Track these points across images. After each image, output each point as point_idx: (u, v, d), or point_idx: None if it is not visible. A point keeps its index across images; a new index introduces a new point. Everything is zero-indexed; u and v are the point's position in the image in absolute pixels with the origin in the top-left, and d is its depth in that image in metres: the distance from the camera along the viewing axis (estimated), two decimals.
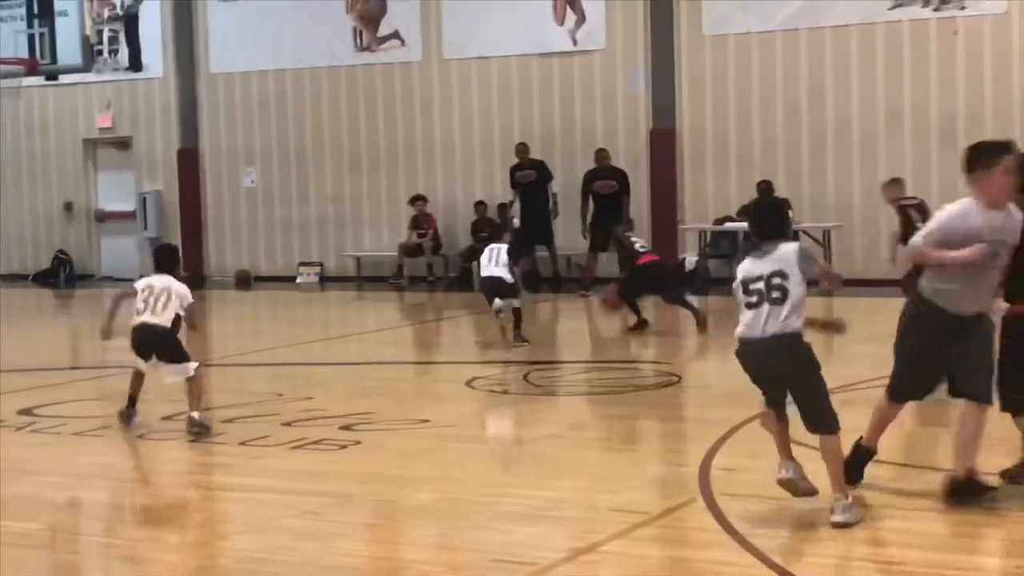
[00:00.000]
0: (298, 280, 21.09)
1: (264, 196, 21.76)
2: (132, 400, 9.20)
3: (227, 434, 8.81)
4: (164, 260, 9.45)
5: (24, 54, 19.49)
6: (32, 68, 19.67)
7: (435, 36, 20.46)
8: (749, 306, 6.31)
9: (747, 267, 6.37)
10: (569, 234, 18.89)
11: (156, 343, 8.96)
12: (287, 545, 6.28)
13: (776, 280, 6.23)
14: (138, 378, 9.18)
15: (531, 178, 19.17)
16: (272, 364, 12.50)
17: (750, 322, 6.31)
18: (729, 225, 17.97)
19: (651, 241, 16.64)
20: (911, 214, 12.37)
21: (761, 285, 6.26)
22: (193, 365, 8.95)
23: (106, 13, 22.27)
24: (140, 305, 9.03)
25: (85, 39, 19.96)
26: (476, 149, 20.37)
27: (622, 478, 7.39)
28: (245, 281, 21.40)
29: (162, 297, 9.00)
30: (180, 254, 10.20)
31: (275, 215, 21.66)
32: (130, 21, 22.38)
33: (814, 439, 6.44)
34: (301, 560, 6.05)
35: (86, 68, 20.15)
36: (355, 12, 21.02)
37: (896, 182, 13.61)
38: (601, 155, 18.57)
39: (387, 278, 19.98)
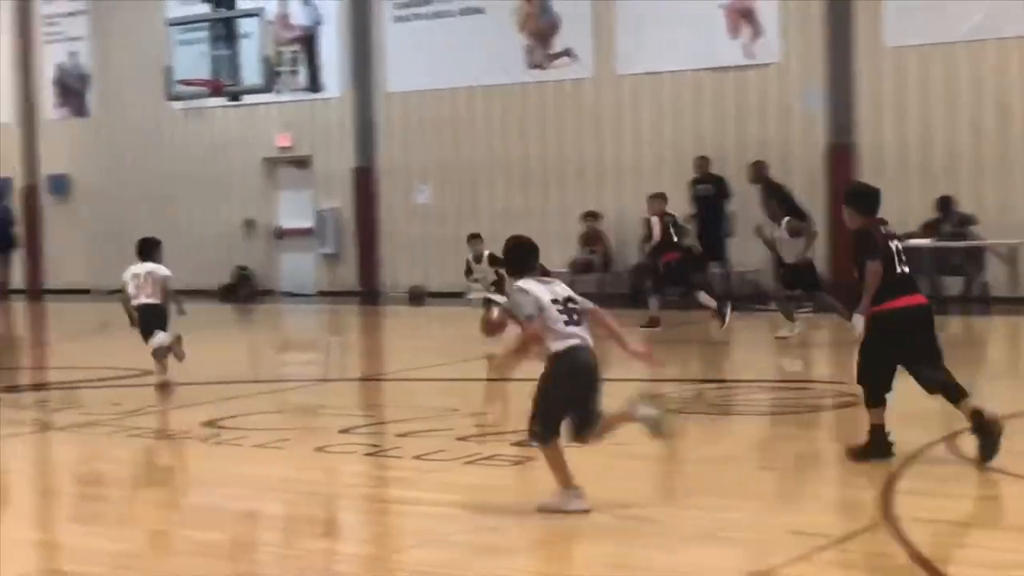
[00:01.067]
0: (469, 296, 21.28)
1: (437, 213, 22.04)
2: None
3: (402, 448, 8.93)
4: (146, 250, 12.27)
5: (208, 76, 20.16)
6: (216, 89, 20.33)
7: (607, 52, 20.49)
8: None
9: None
10: (742, 250, 18.69)
11: (152, 317, 11.88)
12: (462, 560, 6.34)
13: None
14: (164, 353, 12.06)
15: (709, 192, 19.04)
16: (445, 379, 12.63)
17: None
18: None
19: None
20: None
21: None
22: (172, 335, 11.94)
23: (287, 35, 22.86)
24: (133, 291, 11.96)
25: (267, 61, 20.55)
26: (647, 165, 20.30)
27: (800, 500, 7.26)
28: (418, 297, 21.70)
29: (148, 280, 11.97)
30: (161, 246, 12.52)
31: (447, 232, 21.91)
32: (309, 43, 22.94)
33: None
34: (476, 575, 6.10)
35: (267, 89, 20.75)
36: (527, 30, 21.18)
37: None
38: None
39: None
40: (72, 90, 25.22)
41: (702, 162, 19.30)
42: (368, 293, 22.42)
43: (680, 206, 19.28)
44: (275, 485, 8.29)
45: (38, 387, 13.11)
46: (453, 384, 12.31)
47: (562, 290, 7.13)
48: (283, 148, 23.47)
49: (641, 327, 14.88)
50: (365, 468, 8.55)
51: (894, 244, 7.95)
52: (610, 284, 20.14)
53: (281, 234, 23.69)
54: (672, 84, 20.01)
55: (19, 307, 23.45)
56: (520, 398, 11.44)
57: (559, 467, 7.10)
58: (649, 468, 8.44)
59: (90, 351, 15.88)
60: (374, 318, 20.96)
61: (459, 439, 9.15)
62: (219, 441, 9.53)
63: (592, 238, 20.39)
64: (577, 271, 20.16)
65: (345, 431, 9.42)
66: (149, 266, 12.20)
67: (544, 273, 7.43)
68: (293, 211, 23.52)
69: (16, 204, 25.50)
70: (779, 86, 19.28)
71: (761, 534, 6.64)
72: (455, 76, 21.54)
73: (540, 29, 21.08)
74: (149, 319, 12.10)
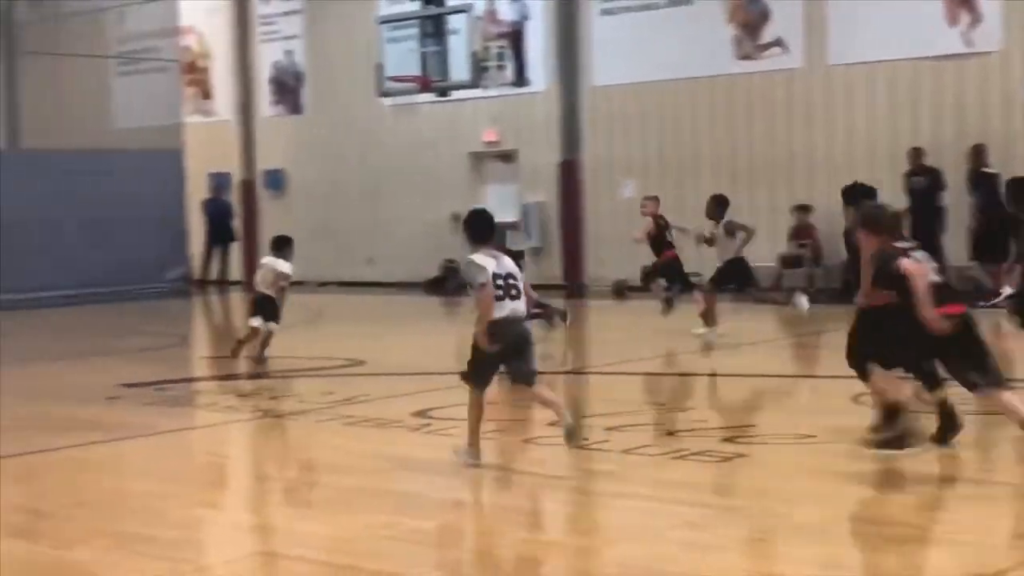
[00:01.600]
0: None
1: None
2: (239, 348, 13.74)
3: (611, 442, 8.92)
4: (276, 246, 13.81)
5: (417, 72, 20.52)
6: (425, 85, 20.67)
7: (819, 42, 20.08)
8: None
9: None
10: (955, 245, 18.11)
11: (262, 305, 13.44)
12: (671, 555, 6.30)
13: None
14: (254, 333, 13.52)
15: (922, 185, 18.50)
16: (652, 373, 12.57)
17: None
18: None
19: None
20: None
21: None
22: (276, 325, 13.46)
23: (494, 30, 23.09)
24: (257, 280, 13.72)
25: (474, 56, 20.80)
26: (859, 158, 19.83)
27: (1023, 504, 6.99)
28: (622, 291, 21.65)
29: (268, 275, 13.55)
30: (291, 244, 13.92)
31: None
32: (516, 37, 23.12)
33: None
34: (684, 571, 6.05)
35: (474, 84, 20.99)
36: (736, 20, 20.91)
37: None
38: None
39: (765, 288, 19.69)
40: (287, 88, 25.99)
41: (916, 154, 18.75)
42: (572, 286, 22.47)
43: (894, 199, 18.78)
44: (484, 475, 8.37)
45: (255, 376, 13.53)
46: (660, 378, 12.26)
47: (506, 266, 8.25)
48: (489, 143, 23.72)
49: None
50: (573, 461, 8.56)
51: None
52: (820, 278, 19.74)
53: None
54: (886, 74, 19.49)
55: (236, 298, 24.27)
56: (731, 394, 11.33)
57: (475, 417, 8.43)
58: (861, 467, 8.24)
59: (304, 341, 16.33)
60: (579, 312, 21.01)
61: (667, 434, 9.10)
62: (430, 430, 9.68)
63: (802, 232, 20.02)
64: (787, 265, 19.82)
65: (553, 424, 9.45)
66: (271, 260, 13.77)
67: (501, 249, 8.58)
68: (499, 205, 23.71)
69: (234, 199, 26.40)
70: (1001, 75, 18.59)
71: (982, 537, 6.42)
72: (662, 69, 21.41)
73: (749, 19, 20.79)
74: (261, 307, 13.68)
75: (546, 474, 8.49)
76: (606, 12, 22.16)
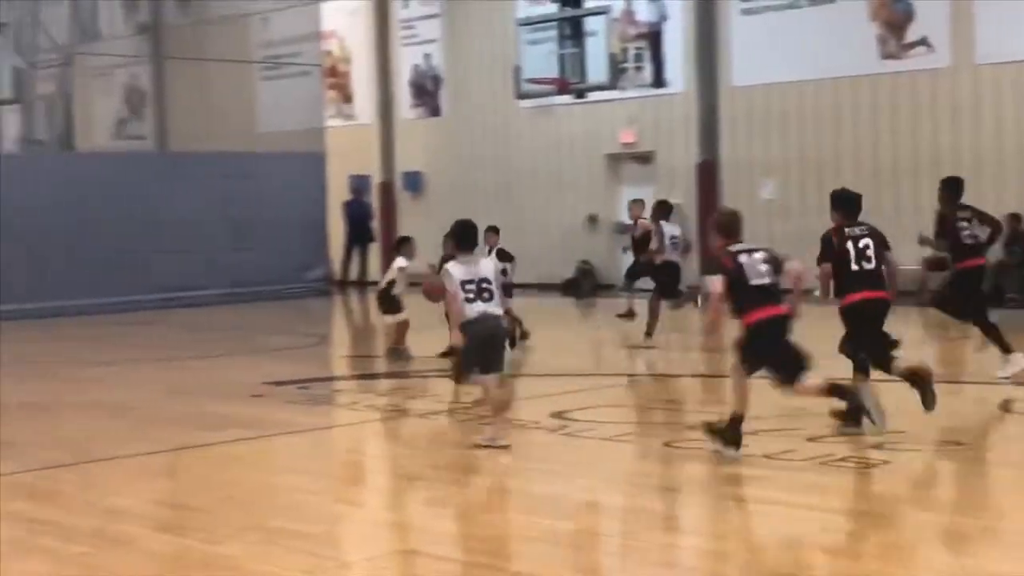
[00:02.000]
0: (815, 292, 20.80)
1: (782, 208, 21.69)
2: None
3: (752, 446, 8.82)
4: (396, 246, 14.74)
5: (555, 74, 20.55)
6: (563, 87, 20.70)
7: (966, 40, 19.61)
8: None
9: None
10: None
11: (388, 299, 14.30)
12: (816, 562, 6.21)
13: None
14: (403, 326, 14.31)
15: None
16: None
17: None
18: None
19: None
20: None
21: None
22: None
23: (632, 32, 23.02)
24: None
25: (612, 58, 20.76)
26: (1008, 157, 19.32)
27: None
28: None
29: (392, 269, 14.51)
30: (411, 242, 14.98)
31: (792, 227, 21.51)
32: (654, 38, 23.02)
33: None
34: None
35: (612, 86, 20.96)
36: (880, 19, 20.54)
37: None
38: None
39: (911, 293, 19.29)
40: (426, 91, 26.25)
41: None
42: None
43: None
44: (623, 477, 8.36)
45: (394, 375, 13.69)
46: None
47: (480, 272, 9.27)
48: (626, 144, 23.65)
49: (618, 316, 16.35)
50: (713, 466, 8.49)
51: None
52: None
53: (624, 229, 23.87)
54: None
55: (374, 298, 24.58)
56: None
57: (491, 408, 9.41)
58: (1013, 476, 8.02)
59: (443, 342, 16.42)
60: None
61: (810, 439, 8.96)
62: (568, 432, 9.69)
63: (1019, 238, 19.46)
64: (931, 268, 19.35)
65: (693, 427, 9.38)
66: (397, 259, 14.64)
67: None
68: None
69: (373, 200, 26.74)
70: None
71: None
72: (803, 68, 21.12)
73: (894, 18, 20.40)
74: (386, 300, 14.62)
75: (685, 478, 8.44)
76: (746, 12, 21.94)
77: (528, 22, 21.73)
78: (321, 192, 26.16)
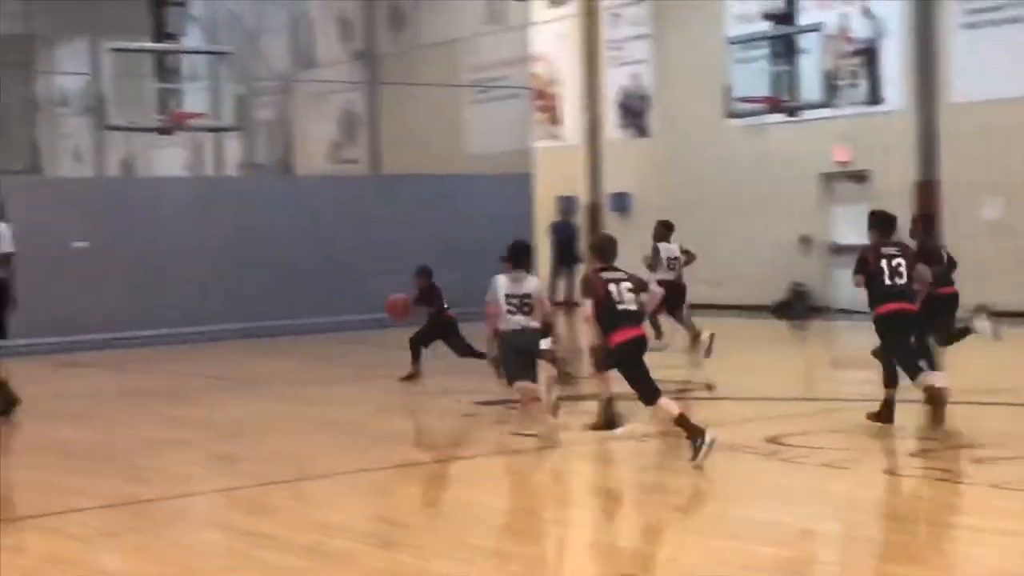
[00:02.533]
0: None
1: (1006, 228, 20.86)
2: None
3: (977, 475, 8.46)
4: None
5: (767, 92, 20.23)
6: (775, 105, 20.36)
7: None
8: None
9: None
10: None
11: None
12: None
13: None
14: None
15: None
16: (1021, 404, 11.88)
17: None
18: None
19: None
20: None
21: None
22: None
23: (847, 48, 22.52)
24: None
25: (826, 75, 20.32)
26: None
27: None
28: (984, 313, 20.57)
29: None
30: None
31: (1016, 247, 20.69)
32: (870, 55, 22.47)
33: None
34: None
35: (825, 104, 20.50)
36: None
37: None
38: None
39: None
40: (634, 111, 26.18)
41: None
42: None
43: None
44: (841, 504, 8.11)
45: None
46: None
47: (523, 288, 10.63)
48: (840, 163, 23.12)
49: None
50: (936, 493, 8.19)
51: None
52: None
53: (838, 250, 23.33)
54: None
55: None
56: None
57: (550, 391, 10.74)
58: None
59: (656, 364, 16.29)
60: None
61: None
62: (782, 457, 9.47)
63: None
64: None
65: (915, 454, 9.07)
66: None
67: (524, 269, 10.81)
68: (849, 226, 23.08)
69: (581, 221, 26.75)
70: None
71: None
72: None
73: None
74: None
75: (907, 506, 8.15)
76: (966, 26, 21.22)
77: (739, 40, 21.43)
78: (528, 213, 26.32)
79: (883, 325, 10.40)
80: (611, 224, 26.69)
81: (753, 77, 20.63)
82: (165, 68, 18.47)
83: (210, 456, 10.59)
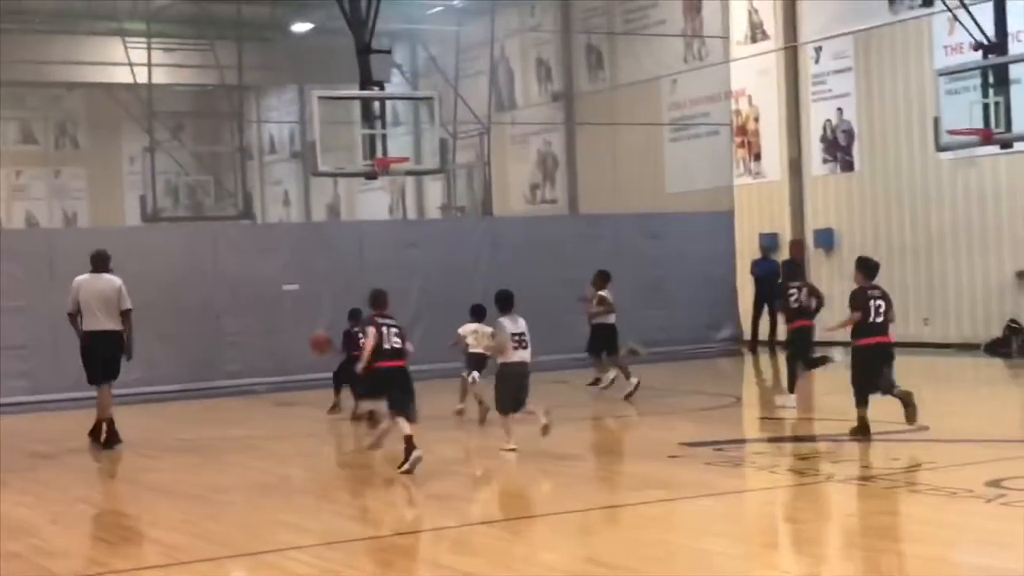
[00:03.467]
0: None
1: None
2: None
3: None
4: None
5: (979, 124, 19.67)
6: (987, 138, 19.79)
7: None
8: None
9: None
10: None
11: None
12: None
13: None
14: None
15: None
16: None
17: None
18: None
19: None
20: None
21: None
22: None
23: None
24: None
25: None
26: None
27: None
28: None
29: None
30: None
31: None
32: None
33: None
34: None
35: None
36: None
37: None
38: None
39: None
40: (838, 145, 25.75)
41: None
42: None
43: None
44: None
45: (808, 438, 13.43)
46: None
47: (520, 326, 13.05)
48: None
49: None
50: None
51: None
52: None
53: None
54: None
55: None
56: None
57: (507, 430, 12.73)
58: None
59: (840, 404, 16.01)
60: None
61: None
62: (1005, 501, 9.17)
63: None
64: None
65: (993, 483, 8.69)
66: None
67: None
68: None
69: (782, 259, 26.34)
70: None
71: None
72: None
73: None
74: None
75: None
76: None
77: (948, 71, 20.92)
78: (730, 250, 26.14)
79: (865, 355, 12.57)
80: (815, 261, 26.30)
81: (963, 108, 20.09)
82: (370, 114, 18.90)
83: (427, 495, 10.79)
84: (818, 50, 25.96)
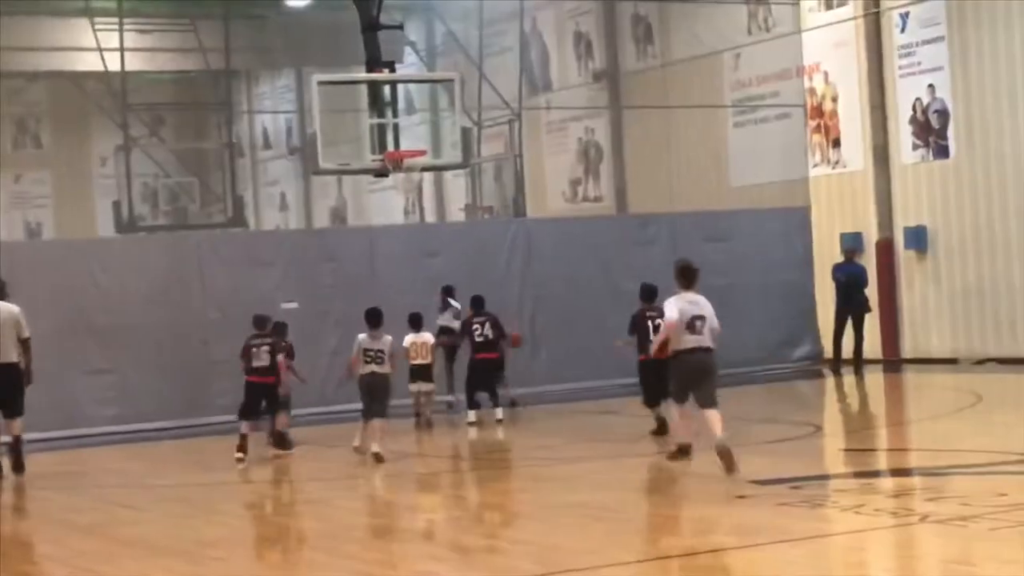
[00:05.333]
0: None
1: None
2: None
3: None
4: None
5: None
6: None
7: None
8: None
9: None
10: None
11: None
12: None
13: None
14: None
15: None
16: None
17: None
18: None
19: None
20: None
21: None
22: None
23: None
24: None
25: None
26: None
27: None
28: None
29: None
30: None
31: None
32: None
33: None
34: None
35: None
36: None
37: None
38: None
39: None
40: (931, 129, 25.68)
41: None
42: None
43: None
44: None
45: (900, 472, 13.38)
46: None
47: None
48: None
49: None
50: None
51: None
52: None
53: None
54: None
55: (875, 380, 24.18)
56: None
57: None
58: None
59: (965, 431, 15.96)
60: None
61: None
62: None
63: None
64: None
65: None
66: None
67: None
68: None
69: (869, 262, 26.29)
70: None
71: None
72: None
73: None
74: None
75: None
76: None
77: None
78: (807, 254, 26.07)
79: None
80: (906, 264, 26.23)
81: None
82: (379, 101, 19.01)
83: (453, 547, 10.82)
84: (904, 16, 25.92)
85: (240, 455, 16.32)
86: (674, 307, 13.38)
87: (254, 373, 16.55)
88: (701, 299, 13.60)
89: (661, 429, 16.21)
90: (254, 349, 16.63)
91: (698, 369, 13.44)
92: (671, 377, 13.83)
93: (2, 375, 15.99)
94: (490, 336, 19.14)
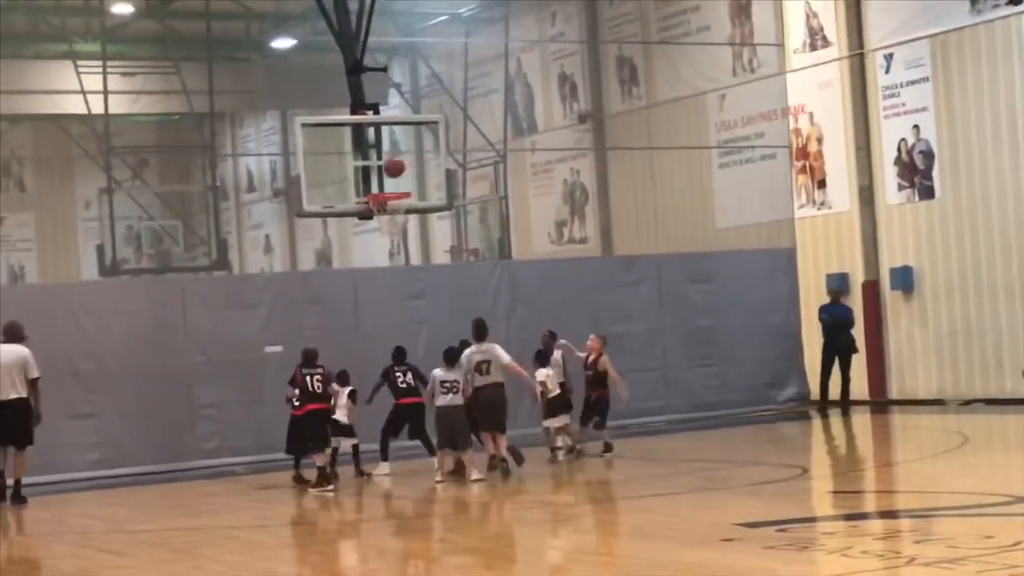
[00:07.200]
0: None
1: None
2: None
3: None
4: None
5: None
6: None
7: None
8: None
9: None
10: None
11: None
12: None
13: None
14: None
15: None
16: None
17: None
18: None
19: None
20: None
21: None
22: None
23: None
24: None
25: None
26: None
27: None
28: None
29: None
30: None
31: None
32: None
33: None
34: None
35: None
36: None
37: None
38: None
39: None
40: (916, 169, 25.78)
41: None
42: None
43: None
44: None
45: (888, 514, 13.38)
46: None
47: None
48: None
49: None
50: None
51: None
52: None
53: None
54: None
55: (861, 421, 24.20)
56: None
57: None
58: None
59: (950, 472, 15.97)
60: None
61: None
62: None
63: None
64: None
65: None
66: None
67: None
68: None
69: (855, 303, 26.35)
70: None
71: None
72: None
73: None
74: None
75: None
76: None
77: None
78: (792, 295, 26.15)
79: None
80: (892, 305, 26.30)
81: None
82: (363, 143, 19.03)
83: None
84: (888, 58, 26.07)
85: (330, 487, 17.26)
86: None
87: (312, 400, 17.59)
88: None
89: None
90: (307, 378, 17.81)
91: None
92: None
93: (8, 411, 17.22)
94: (411, 383, 18.95)
